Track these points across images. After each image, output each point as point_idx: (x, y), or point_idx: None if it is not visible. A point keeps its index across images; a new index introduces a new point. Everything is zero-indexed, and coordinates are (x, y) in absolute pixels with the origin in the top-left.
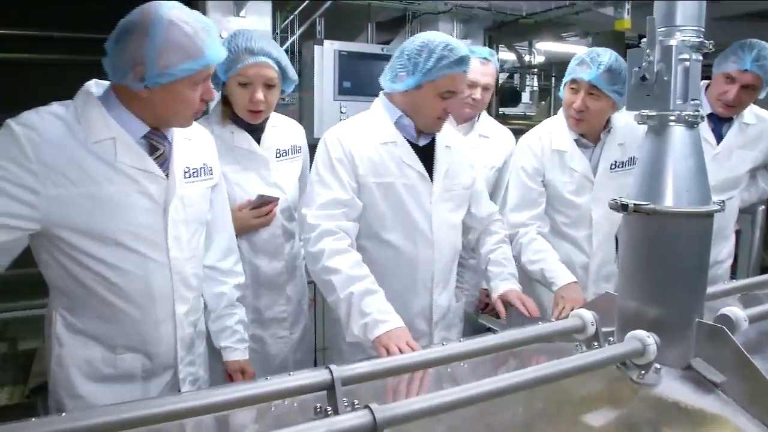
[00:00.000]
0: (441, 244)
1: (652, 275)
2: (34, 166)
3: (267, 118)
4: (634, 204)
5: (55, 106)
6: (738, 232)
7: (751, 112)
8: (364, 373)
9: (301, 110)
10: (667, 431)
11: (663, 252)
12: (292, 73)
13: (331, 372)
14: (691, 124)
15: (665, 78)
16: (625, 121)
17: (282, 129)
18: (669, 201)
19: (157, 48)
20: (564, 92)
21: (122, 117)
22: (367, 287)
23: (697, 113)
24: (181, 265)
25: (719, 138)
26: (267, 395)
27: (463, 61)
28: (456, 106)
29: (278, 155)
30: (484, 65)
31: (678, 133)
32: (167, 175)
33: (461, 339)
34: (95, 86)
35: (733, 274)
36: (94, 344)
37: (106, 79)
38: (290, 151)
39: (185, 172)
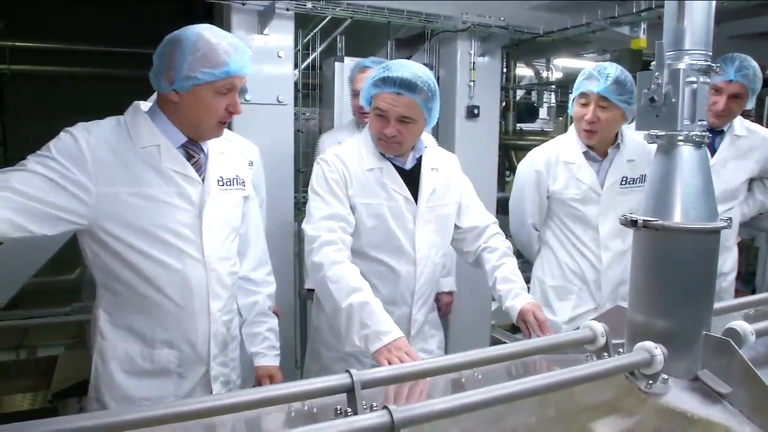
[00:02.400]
0: (423, 262)
1: (660, 289)
2: (90, 167)
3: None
4: (644, 220)
5: (109, 119)
6: (740, 244)
7: (742, 125)
8: (383, 377)
9: (321, 125)
10: None
11: (671, 267)
12: None
13: (351, 376)
14: (699, 144)
15: (673, 100)
16: (638, 139)
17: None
18: (677, 217)
19: (185, 55)
20: (573, 107)
21: (165, 127)
22: (366, 298)
23: (704, 133)
24: (215, 263)
25: (712, 151)
26: (289, 396)
27: (392, 81)
28: (391, 128)
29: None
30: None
31: (686, 152)
32: (203, 180)
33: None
34: (143, 105)
35: (753, 289)
36: (133, 339)
37: (135, 91)
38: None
39: (218, 181)
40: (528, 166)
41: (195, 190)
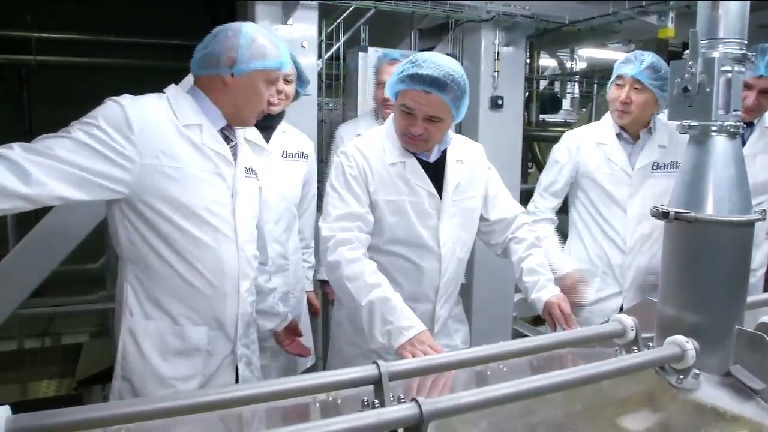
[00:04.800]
0: (448, 258)
1: (692, 282)
2: (136, 138)
3: (279, 122)
4: (675, 212)
5: (152, 94)
6: None
7: None
8: (411, 368)
9: (344, 115)
10: None
11: (704, 260)
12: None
13: (378, 367)
14: (733, 135)
15: (707, 89)
16: (671, 126)
17: (291, 135)
18: (710, 209)
19: (248, 44)
20: (610, 89)
21: (206, 108)
22: (385, 294)
23: (738, 123)
24: (244, 245)
25: (742, 144)
26: (317, 387)
27: (421, 79)
28: (418, 127)
29: (284, 156)
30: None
31: (719, 143)
32: (236, 164)
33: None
34: (179, 86)
35: None
36: (163, 316)
37: (160, 81)
38: (296, 155)
39: (245, 169)
40: (562, 145)
41: (230, 172)
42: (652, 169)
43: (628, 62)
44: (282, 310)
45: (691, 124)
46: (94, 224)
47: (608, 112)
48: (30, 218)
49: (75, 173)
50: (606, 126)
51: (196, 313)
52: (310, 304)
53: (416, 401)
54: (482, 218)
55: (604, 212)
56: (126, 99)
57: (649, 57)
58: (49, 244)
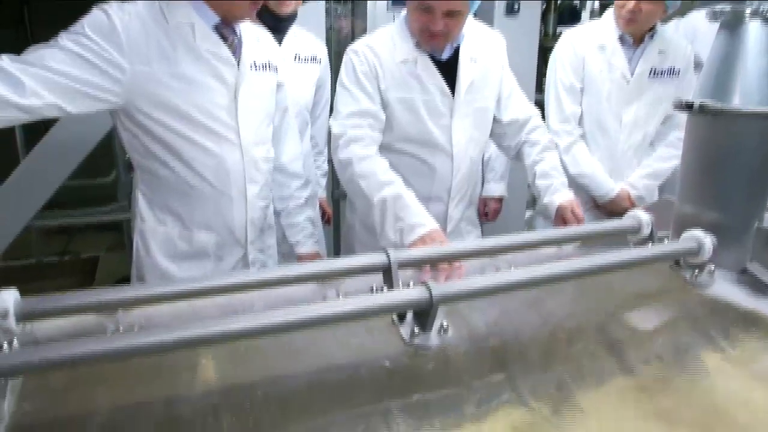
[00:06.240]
0: (460, 157)
1: (713, 178)
2: (124, 45)
3: (291, 25)
4: (700, 103)
5: None
6: None
7: None
8: (420, 257)
9: (354, 22)
10: (718, 331)
11: (727, 154)
12: None
13: (387, 255)
14: None
15: None
16: (671, 30)
17: (303, 38)
18: (737, 100)
19: None
20: None
21: (197, 5)
22: (398, 191)
23: None
24: (250, 148)
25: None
26: (326, 273)
27: None
28: (438, 23)
29: (296, 59)
30: None
31: (753, 28)
32: (238, 64)
33: None
34: None
35: None
36: (172, 221)
37: None
38: (309, 59)
39: (251, 65)
40: (563, 42)
41: (230, 71)
42: (650, 76)
43: None
44: (308, 240)
45: (723, 8)
46: (101, 135)
47: (610, 9)
48: (39, 133)
49: (68, 84)
50: (608, 27)
51: (204, 218)
52: (322, 210)
53: (426, 285)
54: (495, 119)
55: (599, 119)
56: (113, 6)
57: None
58: (58, 156)
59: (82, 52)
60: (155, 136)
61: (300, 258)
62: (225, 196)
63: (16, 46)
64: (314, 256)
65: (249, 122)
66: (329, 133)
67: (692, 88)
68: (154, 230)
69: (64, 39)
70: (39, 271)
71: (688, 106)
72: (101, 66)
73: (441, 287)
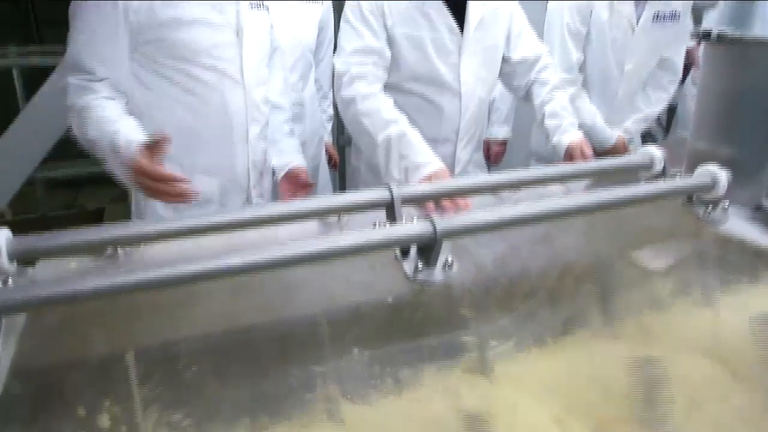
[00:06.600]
0: (468, 97)
1: (730, 111)
2: None
3: None
4: (719, 32)
5: None
6: None
7: None
8: (423, 192)
9: None
10: (732, 268)
11: (745, 85)
12: None
13: (390, 190)
14: None
15: None
16: None
17: None
18: (758, 29)
19: None
20: None
21: None
22: (403, 129)
23: None
24: (252, 88)
25: None
26: (328, 209)
27: None
28: None
29: None
30: None
31: None
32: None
33: None
34: None
35: None
36: (172, 167)
37: None
38: None
39: (250, 4)
40: None
41: (231, 8)
42: (653, 20)
43: None
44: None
45: None
46: None
47: None
48: (38, 81)
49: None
50: None
51: (206, 162)
52: (329, 155)
53: (430, 218)
54: (504, 58)
55: (601, 67)
56: None
57: None
58: (58, 106)
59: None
60: (159, 74)
61: (290, 174)
62: (227, 138)
63: (15, 22)
64: (303, 172)
65: (251, 61)
66: (334, 75)
67: (689, 32)
68: None
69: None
70: (45, 225)
71: (706, 35)
72: (105, 8)
73: (446, 221)
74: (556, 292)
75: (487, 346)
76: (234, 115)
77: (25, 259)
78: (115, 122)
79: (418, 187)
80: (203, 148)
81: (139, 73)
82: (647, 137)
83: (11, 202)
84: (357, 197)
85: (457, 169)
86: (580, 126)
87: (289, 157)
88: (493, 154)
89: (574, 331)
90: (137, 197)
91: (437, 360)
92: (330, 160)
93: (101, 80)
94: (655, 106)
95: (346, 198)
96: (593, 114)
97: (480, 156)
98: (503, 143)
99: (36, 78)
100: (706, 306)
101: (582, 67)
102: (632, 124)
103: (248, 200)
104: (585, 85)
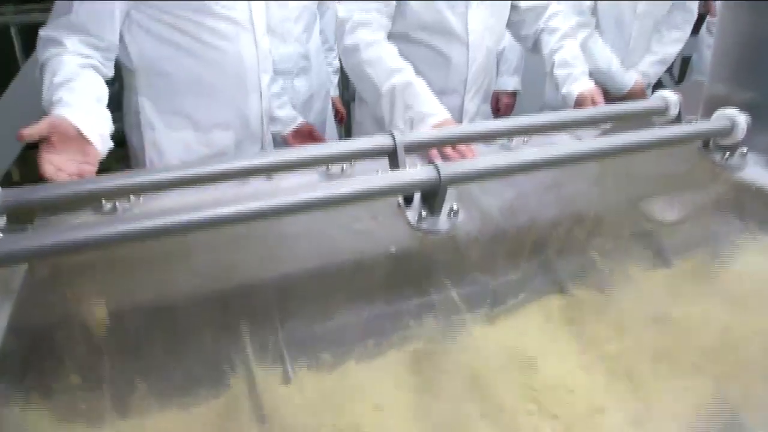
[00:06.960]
0: (476, 46)
1: (748, 54)
2: None
3: None
4: None
5: None
6: None
7: None
8: (427, 139)
9: None
10: (750, 215)
11: (764, 29)
12: None
13: (393, 137)
14: None
15: None
16: None
17: None
18: None
19: None
20: None
21: None
22: (408, 78)
23: None
24: (262, 37)
25: None
26: (330, 157)
27: None
28: None
29: None
30: None
31: None
32: None
33: None
34: None
35: None
36: (186, 125)
37: None
38: None
39: None
40: None
41: None
42: None
43: None
44: (284, 115)
45: None
46: None
47: None
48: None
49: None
50: None
51: (220, 114)
52: (335, 109)
53: (434, 164)
54: (512, 6)
55: (615, 11)
56: None
57: None
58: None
59: None
60: (173, 26)
61: (301, 130)
62: (242, 87)
63: None
64: (314, 129)
65: (260, 10)
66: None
67: None
68: (167, 137)
69: None
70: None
71: None
72: None
73: (450, 166)
74: (566, 241)
75: (494, 297)
76: (247, 63)
77: (17, 213)
78: (60, 87)
79: (422, 133)
80: (218, 99)
81: (149, 25)
82: (658, 87)
83: (16, 163)
84: (359, 144)
85: (465, 121)
86: (596, 72)
87: (291, 110)
88: (503, 106)
89: (586, 282)
90: (152, 161)
91: (441, 311)
92: (336, 114)
93: (77, 35)
94: (671, 46)
95: (347, 145)
96: (608, 59)
97: (488, 108)
98: (513, 95)
99: (35, 35)
100: (725, 254)
101: (594, 10)
102: (649, 67)
103: (263, 150)
104: (598, 27)
